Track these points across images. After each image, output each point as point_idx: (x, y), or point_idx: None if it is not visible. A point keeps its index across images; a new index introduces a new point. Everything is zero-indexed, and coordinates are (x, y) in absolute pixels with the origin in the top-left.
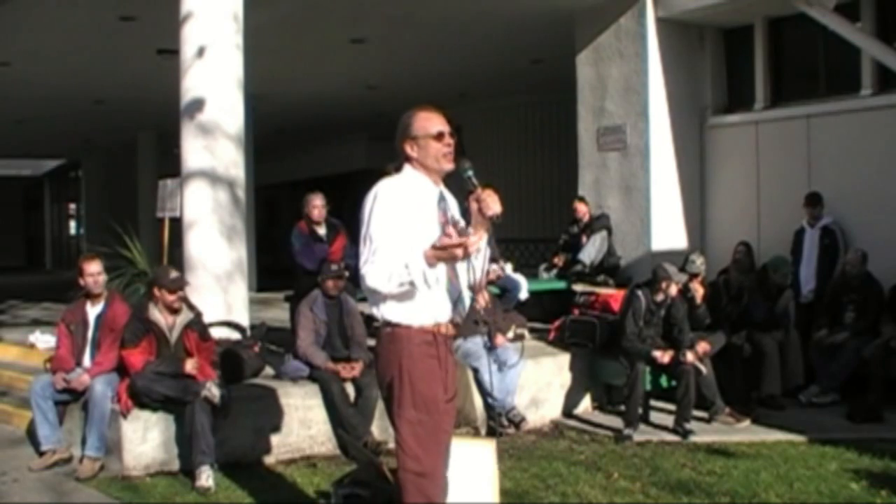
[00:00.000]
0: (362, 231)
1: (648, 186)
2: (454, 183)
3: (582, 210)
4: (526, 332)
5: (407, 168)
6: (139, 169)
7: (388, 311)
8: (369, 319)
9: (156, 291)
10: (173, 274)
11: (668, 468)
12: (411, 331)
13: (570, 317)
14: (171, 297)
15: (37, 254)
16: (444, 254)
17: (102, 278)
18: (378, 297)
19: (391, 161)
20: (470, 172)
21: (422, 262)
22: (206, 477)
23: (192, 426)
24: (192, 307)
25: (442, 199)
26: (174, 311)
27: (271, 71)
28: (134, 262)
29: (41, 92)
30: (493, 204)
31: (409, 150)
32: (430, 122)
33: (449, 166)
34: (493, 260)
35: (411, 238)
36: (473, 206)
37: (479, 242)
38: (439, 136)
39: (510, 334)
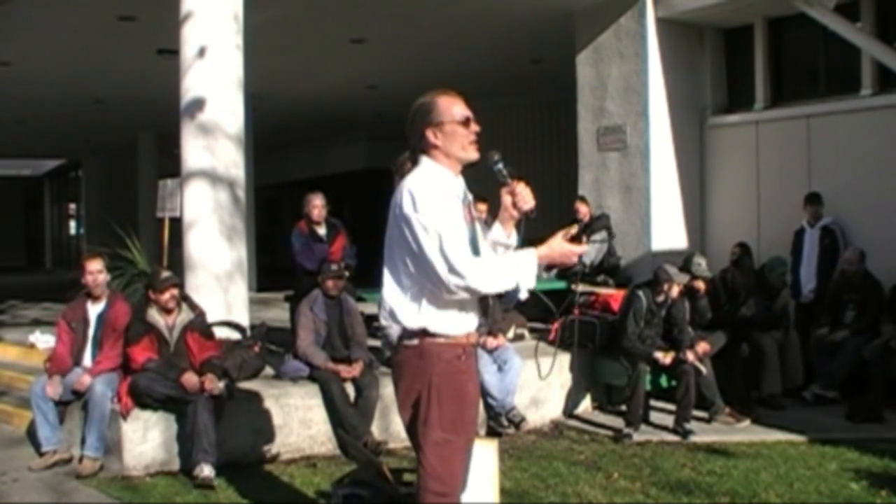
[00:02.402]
0: (414, 232)
1: (648, 186)
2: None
3: (583, 211)
4: (526, 332)
5: (425, 160)
6: (139, 169)
7: (417, 323)
8: (369, 319)
9: (150, 294)
10: (163, 274)
11: (668, 468)
12: (441, 345)
13: (570, 317)
14: (164, 297)
15: (37, 254)
16: (561, 259)
17: (103, 277)
18: (408, 308)
19: (393, 159)
20: (500, 165)
21: (535, 263)
22: (209, 470)
23: (195, 425)
24: (193, 307)
25: (466, 194)
26: (170, 311)
27: (271, 71)
28: (134, 262)
29: (41, 92)
30: (529, 198)
31: (433, 137)
32: (455, 107)
33: (475, 155)
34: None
35: (461, 227)
36: (507, 199)
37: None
38: (466, 122)
39: (510, 334)
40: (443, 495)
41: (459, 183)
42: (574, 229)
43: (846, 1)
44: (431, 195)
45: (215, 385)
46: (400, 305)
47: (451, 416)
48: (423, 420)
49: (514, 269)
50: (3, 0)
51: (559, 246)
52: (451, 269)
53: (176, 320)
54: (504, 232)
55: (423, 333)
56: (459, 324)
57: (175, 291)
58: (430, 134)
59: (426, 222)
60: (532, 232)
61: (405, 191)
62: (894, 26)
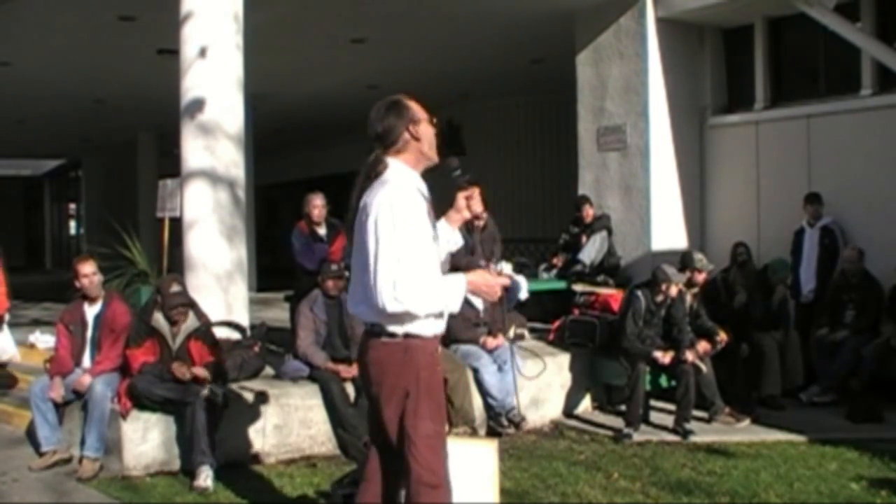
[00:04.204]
0: (378, 243)
1: (648, 186)
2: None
3: (589, 213)
4: (526, 332)
5: (396, 163)
6: (139, 169)
7: (402, 330)
8: None
9: (158, 298)
10: (174, 288)
11: (668, 468)
12: (425, 341)
13: (570, 317)
14: (171, 312)
15: (37, 254)
16: (486, 289)
17: (98, 279)
18: (390, 315)
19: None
20: (458, 171)
21: (464, 291)
22: (205, 477)
23: (193, 426)
24: (200, 315)
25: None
26: (176, 323)
27: (271, 71)
28: (134, 262)
29: (41, 92)
30: (479, 203)
31: (412, 135)
32: (421, 107)
33: (437, 157)
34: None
35: (429, 250)
36: (461, 202)
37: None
38: (432, 122)
39: (510, 334)
40: (437, 486)
41: (424, 185)
42: (502, 271)
43: (846, 1)
44: (411, 214)
45: (213, 392)
46: (380, 311)
47: (438, 407)
48: (414, 414)
49: (447, 293)
50: (3, 0)
51: (483, 278)
52: (397, 298)
53: (181, 326)
54: (451, 229)
55: (406, 335)
56: (437, 325)
57: (185, 309)
58: (413, 129)
59: (393, 245)
60: (533, 231)
61: (384, 203)
62: (894, 26)
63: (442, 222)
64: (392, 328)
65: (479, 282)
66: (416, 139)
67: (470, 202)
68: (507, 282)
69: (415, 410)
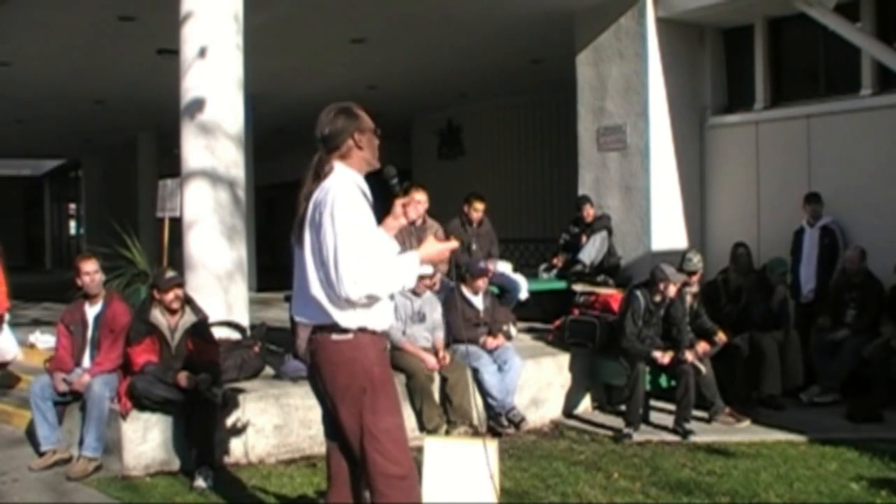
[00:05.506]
0: (338, 235)
1: (648, 186)
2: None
3: (589, 213)
4: (513, 329)
5: (340, 166)
6: (139, 169)
7: (351, 318)
8: None
9: (155, 294)
10: (168, 274)
11: (668, 468)
12: (374, 336)
13: (570, 317)
14: (168, 297)
15: (37, 254)
16: (438, 256)
17: (99, 277)
18: (340, 303)
19: (386, 161)
20: (396, 179)
21: (418, 265)
22: (205, 477)
23: (192, 426)
24: (197, 310)
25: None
26: (174, 312)
27: (271, 71)
28: (134, 262)
29: (41, 92)
30: (415, 212)
31: (358, 141)
32: (368, 117)
33: (377, 163)
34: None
35: (379, 237)
36: (398, 209)
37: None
38: (375, 132)
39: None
40: (404, 477)
41: (365, 184)
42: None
43: (846, 1)
44: (356, 207)
45: (212, 393)
46: (333, 304)
47: (394, 400)
48: (373, 411)
49: (403, 269)
50: (3, 0)
51: (432, 246)
52: (359, 282)
53: (179, 322)
54: (387, 237)
55: (360, 329)
56: (385, 319)
57: (179, 292)
58: (357, 138)
59: (352, 236)
60: (532, 231)
61: (339, 199)
62: (894, 26)
63: (379, 229)
64: (345, 323)
65: (431, 251)
66: (359, 148)
67: (406, 209)
68: (454, 245)
69: (373, 407)
